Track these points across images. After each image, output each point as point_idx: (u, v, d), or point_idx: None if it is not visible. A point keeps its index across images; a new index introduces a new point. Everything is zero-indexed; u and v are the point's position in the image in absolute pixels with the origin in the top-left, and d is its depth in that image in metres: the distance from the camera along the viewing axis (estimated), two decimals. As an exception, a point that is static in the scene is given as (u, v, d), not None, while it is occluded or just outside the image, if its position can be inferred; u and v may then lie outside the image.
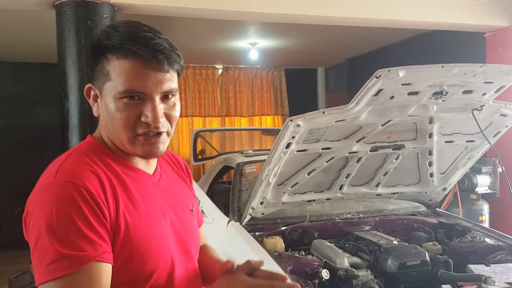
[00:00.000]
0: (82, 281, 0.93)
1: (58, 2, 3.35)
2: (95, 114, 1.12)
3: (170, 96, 1.09)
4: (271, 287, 1.04)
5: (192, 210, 1.27)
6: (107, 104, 1.05)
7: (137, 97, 1.03)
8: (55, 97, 3.70)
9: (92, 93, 1.11)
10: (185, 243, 1.18)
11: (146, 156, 1.11)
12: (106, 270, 0.97)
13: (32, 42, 5.64)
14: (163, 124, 1.07)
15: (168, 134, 1.10)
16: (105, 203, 0.99)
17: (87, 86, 1.12)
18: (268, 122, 8.13)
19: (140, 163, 1.15)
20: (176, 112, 1.11)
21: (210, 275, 1.26)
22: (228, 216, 3.07)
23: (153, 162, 1.19)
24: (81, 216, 0.95)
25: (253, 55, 6.52)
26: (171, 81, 1.07)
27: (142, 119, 1.04)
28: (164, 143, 1.10)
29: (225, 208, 3.37)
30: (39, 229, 0.95)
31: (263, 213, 2.85)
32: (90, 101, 1.12)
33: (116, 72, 1.03)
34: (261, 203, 2.74)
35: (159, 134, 1.07)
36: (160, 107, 1.06)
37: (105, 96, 1.06)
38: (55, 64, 3.52)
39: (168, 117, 1.09)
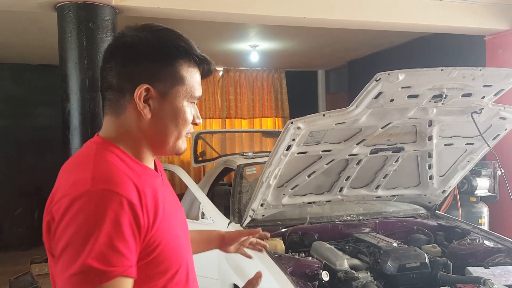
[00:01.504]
0: None
1: (60, 4, 3.37)
2: (146, 116, 1.08)
3: None
4: None
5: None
6: (174, 106, 1.11)
7: (195, 102, 1.17)
8: (56, 98, 3.71)
9: (146, 93, 1.07)
10: (187, 238, 1.23)
11: (181, 153, 1.19)
12: (128, 285, 0.95)
13: (33, 44, 5.65)
14: None
15: None
16: (142, 211, 0.98)
17: (144, 86, 1.06)
18: (268, 124, 8.14)
19: (151, 163, 1.17)
20: None
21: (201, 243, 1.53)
22: (228, 218, 3.08)
23: (153, 162, 1.20)
24: (117, 228, 0.93)
25: (254, 58, 6.53)
26: None
27: (197, 121, 1.17)
28: None
29: (226, 210, 3.38)
30: (70, 237, 0.92)
31: (263, 215, 2.86)
32: (141, 101, 1.07)
33: (192, 79, 1.13)
34: (262, 205, 2.75)
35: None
36: None
37: (173, 99, 1.10)
38: (56, 65, 3.53)
39: None
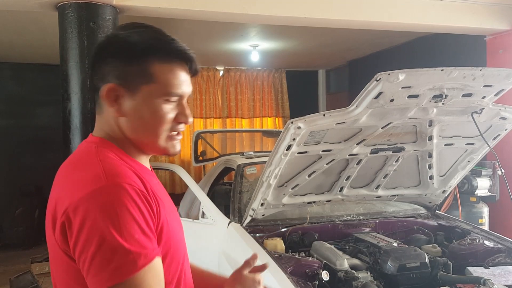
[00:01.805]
0: (150, 278, 0.95)
1: (61, 4, 3.37)
2: (117, 114, 1.09)
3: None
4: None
5: None
6: (143, 105, 1.08)
7: (175, 100, 1.10)
8: (57, 98, 3.71)
9: (114, 93, 1.08)
10: (183, 238, 1.23)
11: (174, 153, 1.17)
12: (161, 265, 1.01)
13: (33, 43, 5.65)
14: None
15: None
16: (151, 200, 1.02)
17: (110, 86, 1.07)
18: (269, 124, 8.15)
19: (145, 163, 1.18)
20: None
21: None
22: (228, 218, 3.08)
23: (148, 161, 1.22)
24: (141, 214, 0.98)
25: (254, 57, 6.53)
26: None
27: (181, 119, 1.12)
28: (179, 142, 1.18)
29: (226, 210, 3.38)
30: (101, 233, 0.93)
31: (263, 215, 2.87)
32: (109, 101, 1.09)
33: (163, 76, 1.07)
34: (262, 204, 2.76)
35: (180, 133, 1.15)
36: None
37: (142, 97, 1.08)
38: (57, 65, 3.53)
39: None
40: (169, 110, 1.10)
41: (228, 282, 1.27)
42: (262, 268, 1.29)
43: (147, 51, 1.06)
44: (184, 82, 1.10)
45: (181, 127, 1.14)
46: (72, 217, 0.96)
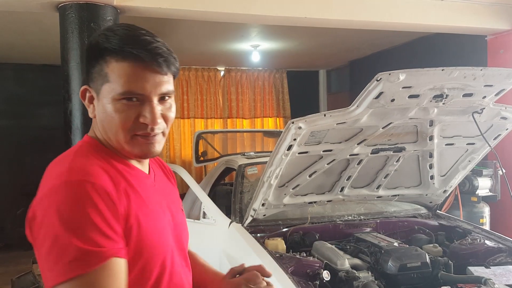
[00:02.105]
0: (104, 278, 0.94)
1: (62, 4, 3.38)
2: (90, 115, 1.13)
3: (167, 98, 1.11)
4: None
5: (182, 210, 1.31)
6: (105, 105, 1.07)
7: (136, 99, 1.06)
8: (58, 98, 3.72)
9: (87, 94, 1.12)
10: (180, 241, 1.22)
11: (143, 156, 1.13)
12: (124, 266, 0.99)
13: (35, 44, 5.66)
14: (160, 125, 1.09)
15: (163, 134, 1.13)
16: (118, 201, 1.01)
17: (82, 87, 1.12)
18: (270, 124, 8.15)
19: (137, 164, 1.17)
20: (172, 114, 1.14)
21: (201, 282, 1.31)
22: (230, 218, 3.08)
23: (146, 163, 1.21)
24: (98, 213, 0.96)
25: (255, 57, 6.54)
26: (168, 83, 1.09)
27: (141, 120, 1.07)
28: (160, 143, 1.12)
29: (227, 210, 3.38)
30: (55, 229, 0.94)
31: (264, 215, 2.87)
32: (86, 102, 1.13)
33: (116, 74, 1.05)
34: (263, 204, 2.76)
35: (155, 134, 1.10)
36: (158, 108, 1.08)
37: (103, 97, 1.07)
38: (58, 65, 3.54)
39: (165, 118, 1.11)
40: (128, 110, 1.05)
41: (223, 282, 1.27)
42: (259, 270, 1.23)
43: (104, 51, 1.06)
44: (143, 81, 1.04)
45: (149, 128, 1.07)
46: (36, 211, 0.99)
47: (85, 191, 0.96)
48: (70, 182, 0.98)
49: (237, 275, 1.25)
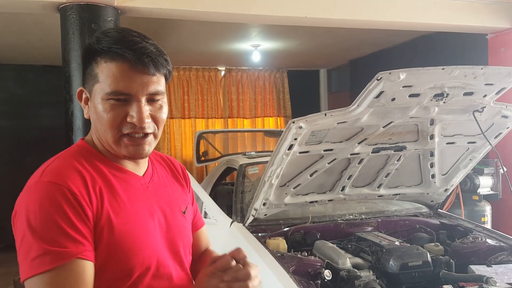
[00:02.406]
0: (65, 277, 0.96)
1: (63, 5, 3.38)
2: (85, 116, 1.16)
3: (157, 99, 1.12)
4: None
5: (184, 213, 1.28)
6: (95, 105, 1.10)
7: (124, 99, 1.07)
8: (59, 99, 3.72)
9: (83, 96, 1.15)
10: (174, 244, 1.20)
11: (131, 157, 1.14)
12: (88, 268, 1.00)
13: (36, 45, 5.67)
14: (149, 125, 1.10)
15: (155, 136, 1.14)
16: (88, 203, 1.03)
17: (79, 89, 1.16)
18: (270, 123, 8.15)
19: (129, 165, 1.17)
20: (163, 115, 1.14)
21: None
22: (231, 217, 3.09)
23: (144, 164, 1.21)
24: (62, 215, 0.98)
25: (256, 57, 6.54)
26: (157, 83, 1.10)
27: (128, 119, 1.08)
28: (150, 145, 1.13)
29: (228, 209, 3.39)
30: (24, 228, 0.99)
31: (265, 214, 2.87)
32: (82, 103, 1.16)
33: (104, 74, 1.07)
34: (264, 204, 2.76)
35: (145, 135, 1.11)
36: (146, 108, 1.09)
37: (94, 97, 1.10)
38: (59, 66, 3.55)
39: (155, 119, 1.12)
40: (115, 109, 1.07)
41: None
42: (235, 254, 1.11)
43: (95, 52, 1.09)
44: (129, 81, 1.06)
45: (137, 128, 1.08)
46: (15, 210, 1.05)
47: (51, 193, 1.00)
48: (40, 183, 1.03)
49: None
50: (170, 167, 1.34)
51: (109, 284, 1.05)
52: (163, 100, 1.14)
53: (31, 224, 0.98)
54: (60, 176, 1.03)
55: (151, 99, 1.10)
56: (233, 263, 1.06)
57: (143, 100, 1.08)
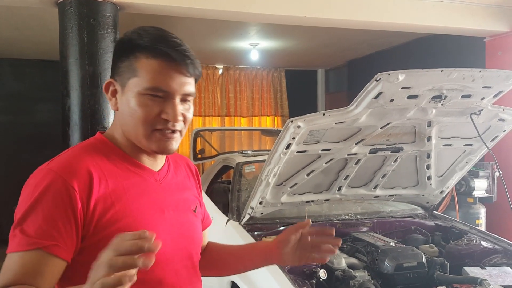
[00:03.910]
0: (26, 264, 0.98)
1: (61, 0, 3.37)
2: (113, 108, 1.17)
3: (189, 99, 1.15)
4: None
5: (195, 211, 1.30)
6: (129, 99, 1.11)
7: (161, 96, 1.10)
8: (56, 94, 3.71)
9: (111, 88, 1.16)
10: (184, 240, 1.21)
11: (160, 152, 1.16)
12: (52, 263, 1.00)
13: (33, 39, 5.65)
14: (179, 123, 1.13)
15: (181, 133, 1.16)
16: (84, 199, 1.03)
17: (107, 80, 1.16)
18: (267, 122, 8.16)
19: (147, 161, 1.19)
20: (190, 115, 1.17)
21: (248, 259, 1.40)
22: (227, 216, 3.09)
23: (161, 160, 1.23)
24: (49, 206, 1.01)
25: (254, 56, 6.54)
26: (191, 85, 1.14)
27: (163, 116, 1.10)
28: (177, 142, 1.16)
29: (224, 207, 3.39)
30: (18, 207, 1.04)
31: (262, 213, 2.87)
32: (108, 95, 1.17)
33: (145, 70, 1.09)
34: (260, 203, 2.76)
35: (174, 132, 1.13)
36: (180, 107, 1.12)
37: (128, 91, 1.11)
38: (56, 61, 3.54)
39: (184, 118, 1.15)
40: (151, 105, 1.09)
41: (274, 244, 1.31)
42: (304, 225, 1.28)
43: (135, 47, 1.10)
44: (169, 79, 1.09)
45: (169, 124, 1.11)
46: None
47: (47, 182, 1.02)
48: (44, 169, 1.06)
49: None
50: (185, 167, 1.37)
51: None
52: (192, 102, 1.18)
53: (20, 205, 1.03)
54: (65, 168, 1.05)
55: (184, 99, 1.13)
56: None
57: (178, 99, 1.11)
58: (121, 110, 1.14)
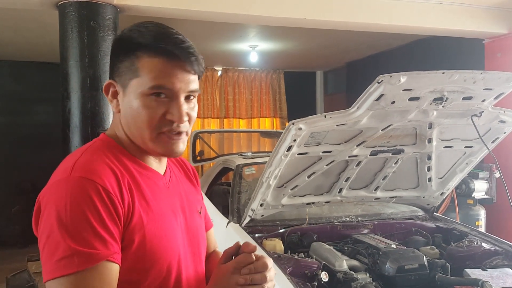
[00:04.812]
0: (92, 280, 0.92)
1: (61, 2, 3.37)
2: (114, 110, 1.12)
3: (192, 97, 1.11)
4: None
5: (200, 213, 1.28)
6: (131, 100, 1.06)
7: (164, 95, 1.05)
8: (55, 96, 3.71)
9: (111, 89, 1.11)
10: (194, 244, 1.19)
11: (167, 154, 1.12)
12: (115, 271, 0.96)
13: (32, 41, 5.64)
14: (185, 124, 1.09)
15: (187, 134, 1.12)
16: (120, 201, 0.99)
17: (107, 82, 1.11)
18: (266, 124, 8.16)
19: (154, 163, 1.16)
20: (195, 113, 1.13)
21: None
22: (227, 218, 3.08)
23: (164, 163, 1.20)
24: (95, 214, 0.94)
25: (253, 58, 6.54)
26: (195, 82, 1.10)
27: (168, 117, 1.06)
28: (184, 143, 1.12)
29: (224, 210, 3.38)
30: (51, 225, 0.93)
31: (262, 215, 2.87)
32: (109, 97, 1.12)
33: (147, 69, 1.04)
34: (261, 205, 2.76)
35: (180, 133, 1.09)
36: (185, 106, 1.08)
37: (130, 92, 1.07)
38: (55, 63, 3.54)
39: (189, 118, 1.11)
40: (156, 106, 1.05)
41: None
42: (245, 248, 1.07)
43: (136, 46, 1.06)
44: (174, 77, 1.05)
45: (174, 126, 1.07)
46: (40, 204, 1.00)
47: (85, 189, 0.95)
48: (71, 178, 0.97)
49: (233, 257, 1.10)
50: (183, 167, 1.33)
51: (133, 285, 1.02)
52: (196, 99, 1.14)
53: (62, 221, 0.93)
54: (93, 171, 0.99)
55: (187, 98, 1.10)
56: (253, 258, 1.04)
57: (182, 98, 1.07)
58: (124, 112, 1.09)
